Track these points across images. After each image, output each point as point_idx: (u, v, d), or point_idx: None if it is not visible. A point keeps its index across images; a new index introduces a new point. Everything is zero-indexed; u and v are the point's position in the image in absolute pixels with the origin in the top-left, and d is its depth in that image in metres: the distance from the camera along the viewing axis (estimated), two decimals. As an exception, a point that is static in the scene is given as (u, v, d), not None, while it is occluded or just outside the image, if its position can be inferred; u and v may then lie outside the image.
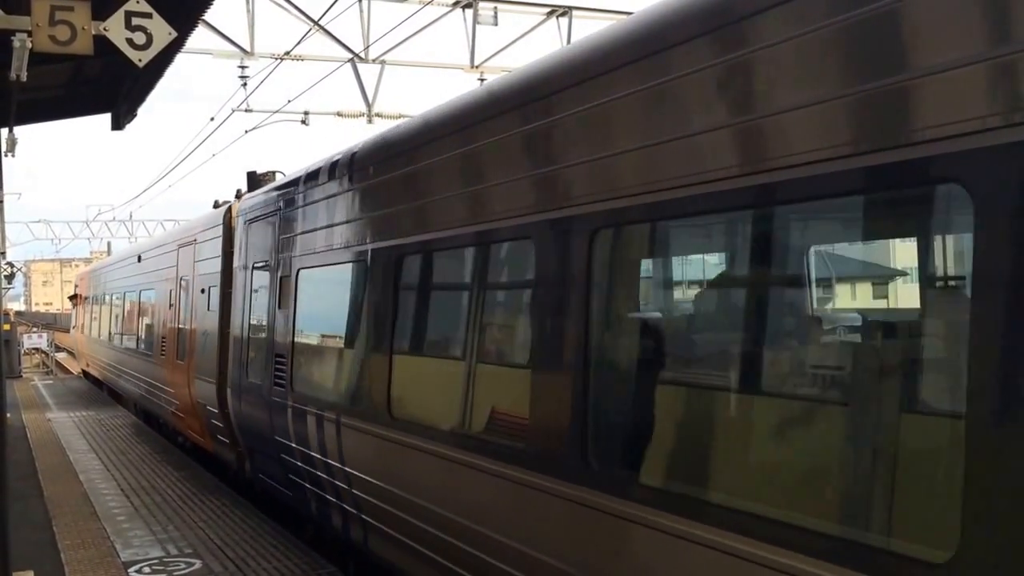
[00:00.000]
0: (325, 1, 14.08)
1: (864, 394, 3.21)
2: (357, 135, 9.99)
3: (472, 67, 15.39)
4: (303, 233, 7.89)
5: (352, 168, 6.89)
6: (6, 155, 13.12)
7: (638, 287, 4.52)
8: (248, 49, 14.58)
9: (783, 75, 3.18)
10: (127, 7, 5.86)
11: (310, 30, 13.97)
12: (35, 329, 40.15)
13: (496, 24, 15.02)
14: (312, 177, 7.73)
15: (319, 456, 7.12)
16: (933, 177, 2.76)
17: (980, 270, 2.55)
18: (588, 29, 14.27)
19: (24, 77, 6.10)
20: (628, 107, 3.88)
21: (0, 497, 5.36)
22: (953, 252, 3.54)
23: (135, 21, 5.92)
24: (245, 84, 15.18)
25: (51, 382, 27.25)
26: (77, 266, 68.44)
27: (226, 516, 8.94)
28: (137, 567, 7.30)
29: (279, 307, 8.36)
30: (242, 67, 14.91)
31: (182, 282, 12.82)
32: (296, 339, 7.93)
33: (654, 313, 4.62)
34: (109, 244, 48.16)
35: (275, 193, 8.91)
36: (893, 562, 2.74)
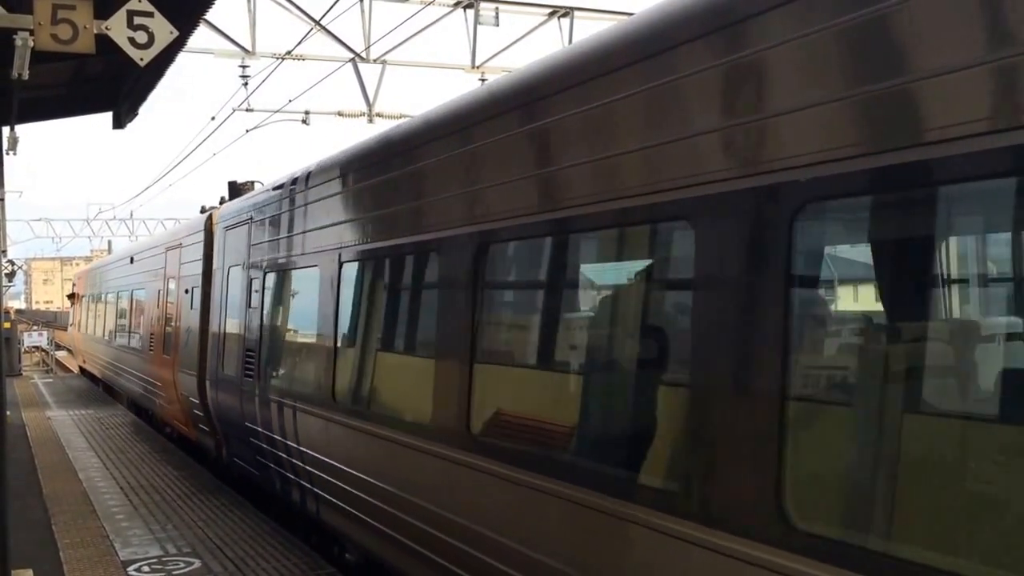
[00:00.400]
0: (326, 1, 14.08)
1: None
2: (358, 135, 10.08)
3: (473, 67, 15.39)
4: (268, 241, 8.95)
5: (306, 185, 7.99)
6: (8, 153, 13.13)
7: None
8: (249, 48, 14.59)
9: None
10: (129, 6, 5.86)
11: (311, 30, 13.98)
12: (35, 327, 40.15)
13: (497, 25, 15.02)
14: (276, 190, 8.89)
15: (280, 438, 8.10)
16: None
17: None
18: (590, 30, 14.28)
19: (26, 75, 6.10)
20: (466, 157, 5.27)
21: (0, 496, 5.35)
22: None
23: (137, 20, 5.93)
24: (246, 84, 15.20)
25: (51, 380, 27.27)
26: (78, 264, 68.50)
27: (225, 516, 8.94)
28: (136, 566, 7.30)
29: (249, 306, 9.37)
30: (243, 67, 14.93)
31: (169, 283, 13.76)
32: (263, 335, 8.88)
33: (509, 313, 5.65)
34: (110, 243, 48.19)
35: (247, 203, 9.99)
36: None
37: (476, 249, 5.05)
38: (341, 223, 7.09)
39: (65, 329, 36.34)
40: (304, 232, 7.90)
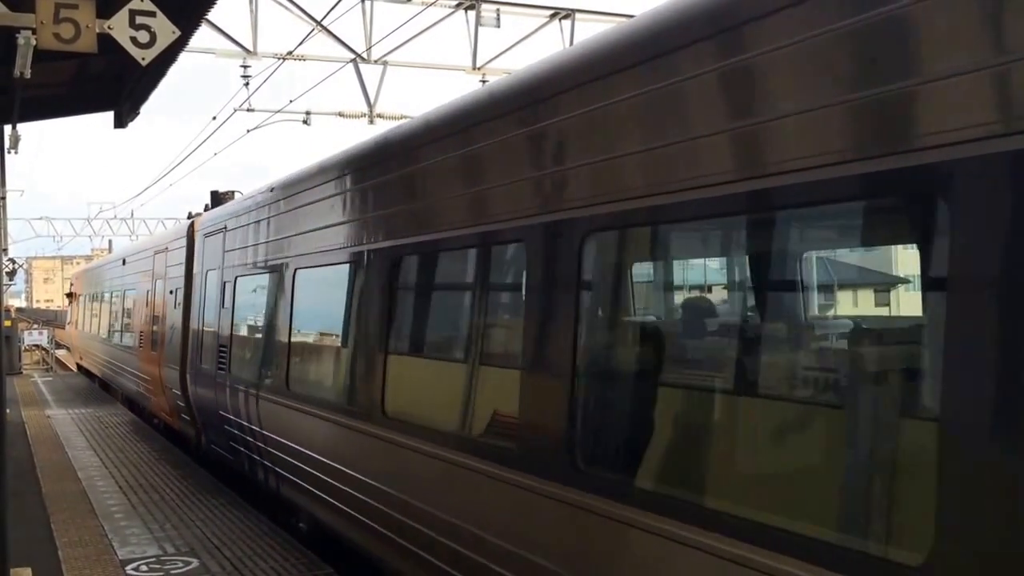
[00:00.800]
0: (328, 1, 14.11)
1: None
2: (358, 136, 10.20)
3: (474, 69, 15.39)
4: (239, 248, 10.07)
5: (265, 201, 9.22)
6: (9, 152, 13.15)
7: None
8: (251, 49, 14.59)
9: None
10: (131, 6, 5.87)
11: (313, 30, 13.99)
12: (36, 326, 40.16)
13: (499, 26, 15.01)
14: (246, 202, 10.21)
15: (247, 424, 9.21)
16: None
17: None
18: (591, 31, 14.29)
19: (28, 74, 6.11)
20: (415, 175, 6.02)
21: (-1, 494, 5.36)
22: None
23: (139, 20, 5.93)
24: (247, 84, 15.21)
25: (51, 379, 27.28)
26: (78, 263, 68.51)
27: (223, 515, 8.95)
28: (134, 565, 7.30)
29: (223, 306, 10.46)
30: (244, 67, 14.94)
31: (156, 284, 14.79)
32: (233, 332, 10.07)
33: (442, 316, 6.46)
34: (110, 242, 48.22)
35: (223, 213, 11.19)
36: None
37: (386, 262, 6.27)
38: (290, 236, 8.34)
39: (65, 328, 36.74)
40: (266, 242, 9.12)
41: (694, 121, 3.58)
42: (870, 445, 3.14)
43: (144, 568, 7.24)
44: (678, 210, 3.64)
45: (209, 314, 11.08)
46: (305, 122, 16.91)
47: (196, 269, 12.10)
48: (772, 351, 3.70)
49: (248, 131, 17.08)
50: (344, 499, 6.67)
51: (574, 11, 15.38)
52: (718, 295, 4.87)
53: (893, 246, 5.13)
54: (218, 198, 13.80)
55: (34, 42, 5.64)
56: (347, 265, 6.93)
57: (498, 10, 14.99)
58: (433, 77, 18.26)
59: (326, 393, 7.34)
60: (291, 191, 8.39)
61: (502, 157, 4.94)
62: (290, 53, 14.33)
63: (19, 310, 53.00)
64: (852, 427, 3.20)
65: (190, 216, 14.36)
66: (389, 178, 6.34)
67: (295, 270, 8.11)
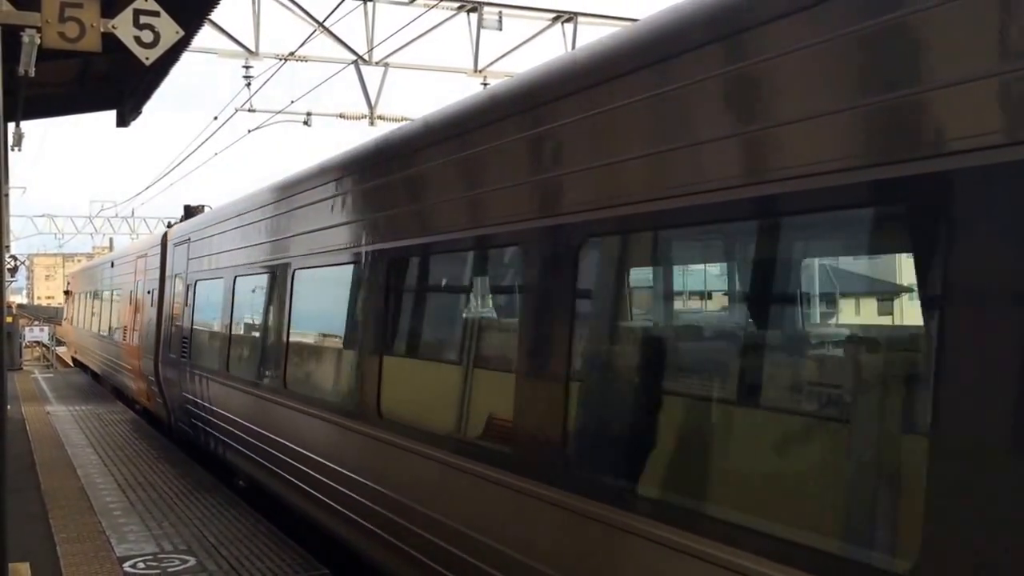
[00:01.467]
0: (330, 3, 14.17)
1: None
2: (359, 137, 10.35)
3: (476, 71, 15.43)
4: (197, 257, 12.19)
5: (218, 218, 11.28)
6: (12, 149, 13.18)
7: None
8: (253, 49, 14.64)
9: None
10: (135, 5, 5.91)
11: (314, 31, 14.03)
12: (37, 322, 40.19)
13: (501, 29, 15.02)
14: (203, 218, 12.63)
15: (203, 403, 11.21)
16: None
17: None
18: (593, 35, 14.31)
19: (32, 73, 6.15)
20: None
21: (-2, 489, 5.39)
22: None
23: (143, 19, 5.97)
24: (249, 84, 15.26)
25: (51, 375, 27.31)
26: (79, 261, 68.55)
27: (221, 515, 8.97)
28: (132, 562, 7.31)
29: (186, 305, 12.55)
30: (246, 67, 14.99)
31: (137, 285, 16.73)
32: (193, 326, 12.14)
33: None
34: (111, 240, 48.25)
35: (188, 226, 13.32)
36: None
37: (286, 273, 8.24)
38: (231, 251, 10.37)
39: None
40: (216, 254, 11.20)
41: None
42: (848, 452, 3.27)
43: (141, 565, 7.25)
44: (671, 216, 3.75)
45: (177, 311, 13.12)
46: (306, 123, 16.96)
47: (168, 273, 14.08)
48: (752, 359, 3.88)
49: (249, 131, 17.13)
50: (265, 456, 8.72)
51: (576, 14, 15.40)
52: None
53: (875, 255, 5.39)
54: (190, 211, 15.98)
55: (39, 40, 5.68)
56: (266, 275, 9.09)
57: (500, 13, 14.99)
58: (435, 79, 18.26)
59: (253, 375, 9.26)
60: (231, 214, 10.64)
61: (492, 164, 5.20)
62: (292, 54, 14.38)
63: (20, 306, 53.06)
64: (843, 436, 3.30)
65: (169, 226, 16.27)
66: (312, 203, 7.79)
67: (234, 277, 10.20)
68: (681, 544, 3.41)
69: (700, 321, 5.02)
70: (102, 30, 5.72)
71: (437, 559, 5.27)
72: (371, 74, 15.78)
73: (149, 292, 15.19)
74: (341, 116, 16.66)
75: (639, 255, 4.47)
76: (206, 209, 14.66)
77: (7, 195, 8.80)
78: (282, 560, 7.39)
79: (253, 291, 9.66)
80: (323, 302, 7.94)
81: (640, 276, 4.75)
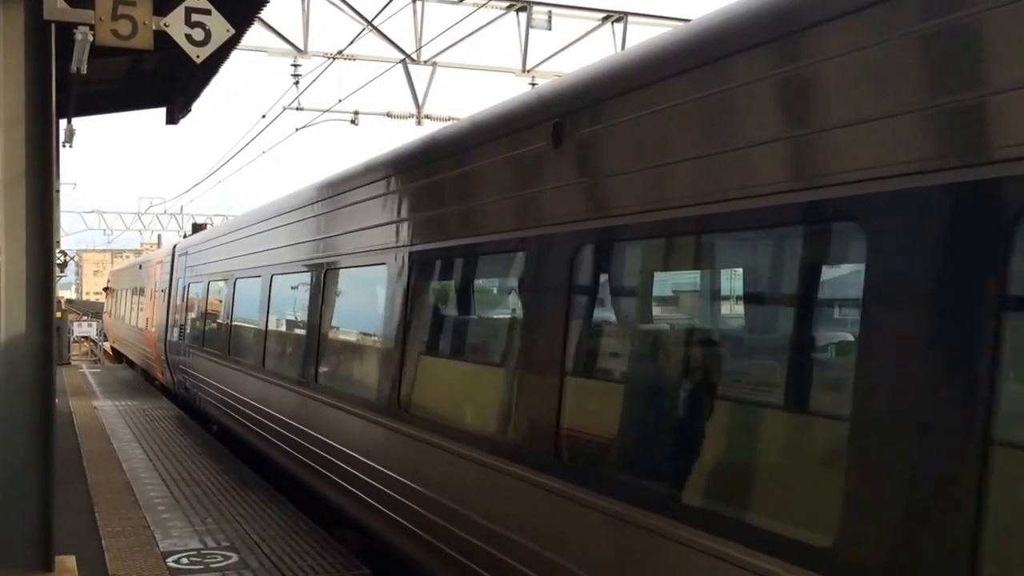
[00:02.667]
0: (379, 1, 14.19)
1: None
2: (405, 136, 10.37)
3: (524, 71, 15.34)
4: (192, 266, 16.41)
5: (203, 239, 15.93)
6: (64, 146, 13.41)
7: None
8: (302, 48, 14.72)
9: None
10: (187, 3, 5.92)
11: (363, 30, 14.05)
12: (85, 318, 40.99)
13: (550, 28, 14.93)
14: (195, 237, 17.45)
15: (192, 371, 15.43)
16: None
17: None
18: (643, 35, 14.14)
19: (84, 69, 6.19)
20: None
21: (47, 483, 5.45)
22: None
23: (194, 17, 5.97)
24: (297, 82, 15.33)
25: (98, 371, 27.82)
26: (127, 257, 69.90)
27: (263, 511, 9.00)
28: (175, 557, 7.36)
29: (181, 301, 17.31)
30: (295, 65, 15.07)
31: (156, 285, 21.24)
32: (187, 316, 16.49)
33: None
34: (160, 237, 49.05)
35: (189, 241, 18.21)
36: None
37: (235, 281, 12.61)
38: (210, 263, 14.69)
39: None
40: (199, 264, 15.73)
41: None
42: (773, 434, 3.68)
43: (185, 561, 7.29)
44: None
45: (178, 306, 17.71)
46: (353, 122, 17.00)
47: (173, 277, 18.39)
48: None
49: (297, 130, 17.24)
50: (231, 408, 12.34)
51: (626, 14, 15.22)
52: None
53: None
54: (196, 228, 21.99)
55: (91, 38, 5.70)
56: (231, 280, 12.86)
57: (550, 12, 14.89)
58: (482, 79, 18.23)
59: (220, 349, 13.20)
60: (211, 235, 15.36)
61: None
62: (340, 53, 14.42)
63: (69, 302, 54.19)
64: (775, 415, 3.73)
65: (184, 236, 22.04)
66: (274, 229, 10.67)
67: (208, 282, 14.78)
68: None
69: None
70: (154, 28, 5.74)
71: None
72: (419, 73, 15.78)
73: (162, 291, 19.66)
74: (388, 115, 16.68)
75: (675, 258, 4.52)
76: (208, 226, 20.72)
77: (58, 191, 8.94)
78: (323, 558, 7.38)
79: (219, 292, 13.87)
80: (260, 301, 11.22)
81: (668, 279, 4.95)
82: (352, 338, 8.66)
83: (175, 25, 5.93)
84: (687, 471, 3.87)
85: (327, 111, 16.42)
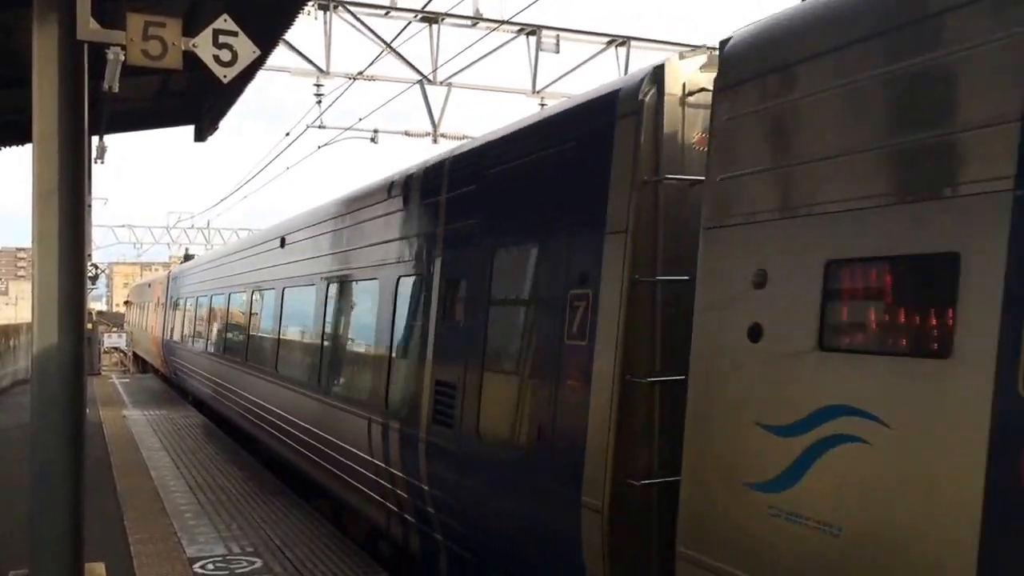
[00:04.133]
0: (397, 25, 14.45)
1: None
2: (422, 154, 10.65)
3: (534, 92, 15.61)
4: (180, 287, 22.68)
5: (185, 269, 23.99)
6: (96, 162, 13.75)
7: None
8: (324, 68, 15.00)
9: None
10: (215, 25, 6.12)
11: (382, 52, 14.31)
12: (115, 329, 41.62)
13: (558, 52, 15.29)
14: (184, 265, 25.40)
15: (178, 360, 21.80)
16: None
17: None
18: (646, 58, 14.31)
19: (116, 88, 6.43)
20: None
21: (77, 491, 5.59)
22: None
23: (222, 39, 6.17)
24: (319, 101, 15.60)
25: (127, 380, 28.27)
26: (156, 270, 70.82)
27: (286, 517, 9.17)
28: (201, 563, 7.53)
29: (173, 312, 23.40)
30: (318, 85, 15.35)
31: (157, 300, 27.90)
32: (175, 323, 22.56)
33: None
34: (187, 250, 49.69)
35: (178, 268, 25.37)
36: None
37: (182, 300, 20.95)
38: (190, 286, 21.04)
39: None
40: (181, 287, 22.50)
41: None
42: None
43: (211, 567, 7.46)
44: None
45: (171, 316, 23.77)
46: (373, 140, 17.27)
47: (169, 294, 24.62)
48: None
49: (319, 147, 17.53)
50: (200, 381, 17.76)
51: (630, 38, 15.59)
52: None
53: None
54: (187, 256, 30.63)
55: (123, 58, 5.90)
56: (211, 296, 17.49)
57: (558, 36, 15.26)
58: (495, 99, 18.47)
59: (199, 345, 18.24)
60: (194, 264, 22.35)
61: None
62: (360, 73, 14.68)
63: (100, 313, 55.00)
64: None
65: (181, 260, 31.00)
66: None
67: (185, 299, 21.25)
68: None
69: None
70: (183, 48, 5.91)
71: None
72: (435, 93, 16.06)
73: (161, 305, 26.32)
74: (406, 134, 16.93)
75: None
76: (197, 255, 29.50)
77: (90, 206, 9.21)
78: (343, 563, 7.53)
79: (198, 306, 19.30)
80: (222, 312, 16.46)
81: None
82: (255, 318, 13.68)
83: (203, 46, 6.13)
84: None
85: (348, 129, 16.69)
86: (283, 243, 11.31)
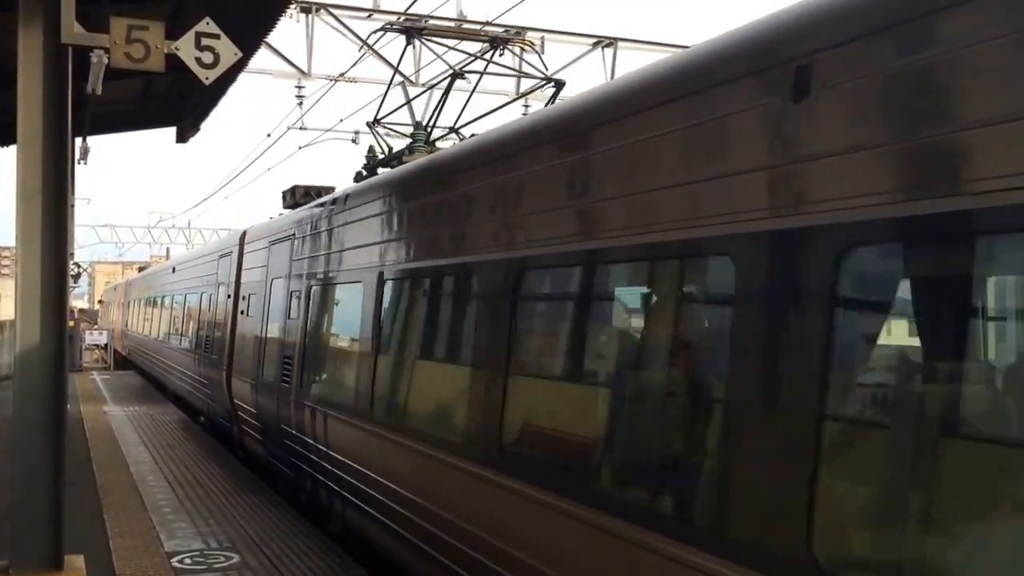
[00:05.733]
0: (378, 25, 14.59)
1: None
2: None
3: (518, 94, 15.72)
4: (133, 291, 31.67)
5: (146, 275, 30.19)
6: (79, 163, 13.80)
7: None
8: (306, 70, 15.10)
9: None
10: (197, 28, 6.24)
11: (363, 53, 14.44)
12: (96, 327, 41.42)
13: (543, 53, 15.30)
14: (146, 271, 32.27)
15: (134, 345, 29.36)
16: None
17: None
18: (633, 59, 14.51)
19: (99, 91, 6.52)
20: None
21: (58, 485, 5.68)
22: None
23: (204, 41, 6.28)
24: (301, 103, 15.71)
25: (108, 377, 28.21)
26: (139, 269, 70.35)
27: (264, 514, 9.29)
28: (179, 558, 7.62)
29: (127, 310, 32.91)
30: (299, 87, 15.46)
31: (120, 302, 34.52)
32: (131, 318, 30.53)
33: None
34: (168, 249, 49.57)
35: (133, 276, 35.69)
36: None
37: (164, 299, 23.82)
38: (153, 288, 25.50)
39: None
40: (144, 288, 27.98)
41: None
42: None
43: (188, 561, 7.55)
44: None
45: (128, 312, 31.25)
46: (354, 141, 17.39)
47: (128, 297, 31.56)
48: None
49: (300, 148, 17.64)
50: (144, 360, 25.87)
51: (616, 39, 15.61)
52: None
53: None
54: (141, 268, 34.68)
55: (106, 60, 6.00)
56: (160, 297, 23.43)
57: (543, 37, 15.27)
58: (478, 100, 18.60)
59: (148, 331, 24.68)
60: (143, 274, 31.03)
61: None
62: (342, 75, 14.80)
63: (82, 311, 54.67)
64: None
65: (139, 270, 36.04)
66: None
67: (152, 298, 24.70)
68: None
69: None
70: (166, 51, 6.01)
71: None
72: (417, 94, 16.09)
73: (128, 303, 32.16)
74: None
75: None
76: (153, 263, 35.48)
77: (73, 206, 9.31)
78: (321, 560, 7.64)
79: (147, 303, 25.10)
80: (165, 309, 22.16)
81: None
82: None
83: (185, 49, 6.24)
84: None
85: (329, 130, 16.80)
86: (174, 270, 21.09)
